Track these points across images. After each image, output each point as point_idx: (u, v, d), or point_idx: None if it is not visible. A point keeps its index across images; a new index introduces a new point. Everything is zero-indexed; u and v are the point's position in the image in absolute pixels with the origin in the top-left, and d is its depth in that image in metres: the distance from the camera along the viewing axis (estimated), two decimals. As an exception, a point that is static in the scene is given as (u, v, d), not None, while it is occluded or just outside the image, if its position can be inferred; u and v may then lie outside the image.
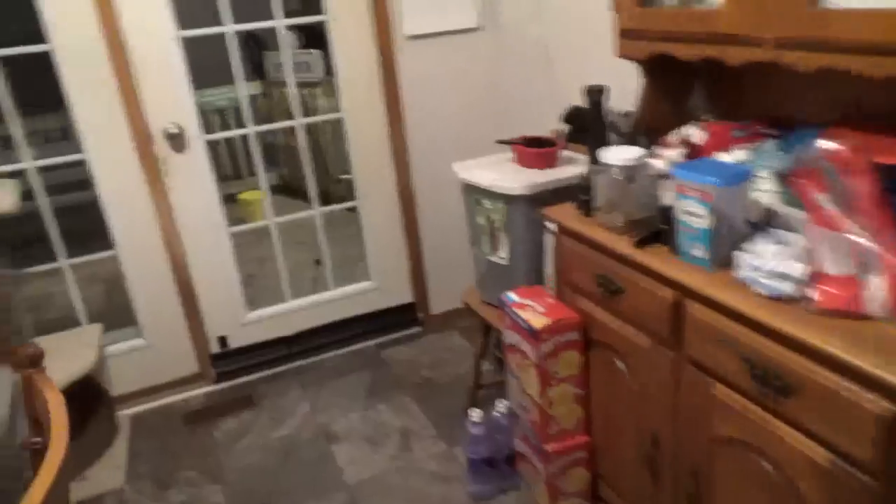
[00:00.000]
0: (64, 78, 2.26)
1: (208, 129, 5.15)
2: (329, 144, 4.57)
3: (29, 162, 2.34)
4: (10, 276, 2.35)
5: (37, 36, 2.20)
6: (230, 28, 2.45)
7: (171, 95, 2.41)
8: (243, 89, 2.63)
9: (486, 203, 2.09)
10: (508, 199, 2.00)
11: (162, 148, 2.44)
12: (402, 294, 3.02)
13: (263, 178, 2.77)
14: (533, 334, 1.70)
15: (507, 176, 2.02)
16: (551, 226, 1.82)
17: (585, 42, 2.24)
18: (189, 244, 2.58)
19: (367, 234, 2.89)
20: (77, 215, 2.78)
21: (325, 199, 4.57)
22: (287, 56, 2.66)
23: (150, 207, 2.47)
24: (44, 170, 2.40)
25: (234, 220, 4.84)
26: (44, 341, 2.33)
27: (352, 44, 2.62)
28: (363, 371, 2.78)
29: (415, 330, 3.05)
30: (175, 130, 2.42)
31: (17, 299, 2.34)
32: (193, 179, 2.53)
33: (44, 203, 2.41)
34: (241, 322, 2.76)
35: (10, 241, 3.34)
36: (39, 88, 2.50)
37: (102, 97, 2.30)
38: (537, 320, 1.71)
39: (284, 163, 5.24)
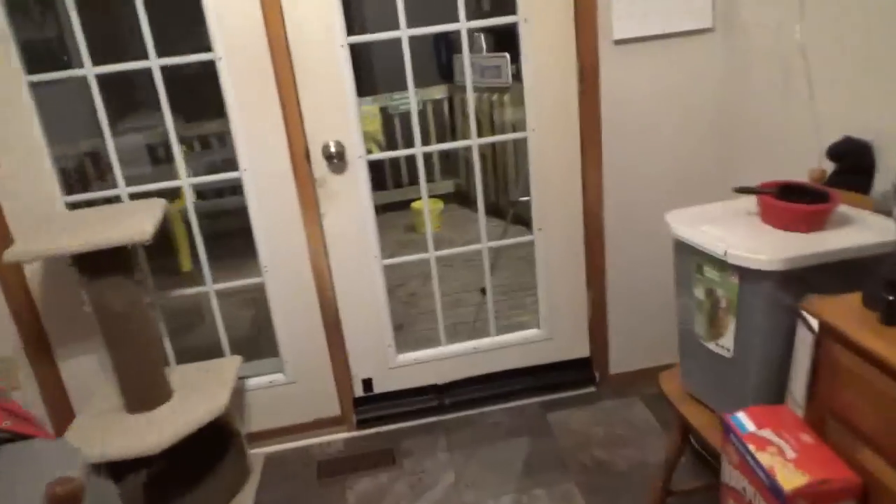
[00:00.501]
0: (225, 89, 2.06)
1: (390, 133, 5.06)
2: (510, 158, 4.17)
3: (185, 180, 2.19)
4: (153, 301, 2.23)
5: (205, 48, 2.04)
6: (403, 33, 2.10)
7: (334, 110, 2.12)
8: (414, 98, 2.27)
9: (711, 272, 1.52)
10: (746, 273, 1.42)
11: (319, 167, 2.17)
12: (576, 347, 2.53)
13: (426, 196, 2.40)
14: (779, 496, 1.13)
15: (747, 239, 1.44)
16: (813, 322, 1.23)
17: (873, 54, 1.57)
18: (339, 276, 2.30)
19: (541, 274, 2.43)
20: (233, 217, 2.66)
21: (501, 215, 4.21)
22: (467, 62, 2.26)
23: (302, 233, 2.21)
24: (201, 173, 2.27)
25: (406, 227, 4.66)
26: (180, 373, 2.18)
27: (545, 49, 2.16)
28: (522, 437, 2.34)
29: (588, 391, 2.55)
30: (335, 149, 2.13)
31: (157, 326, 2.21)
32: (350, 205, 2.23)
33: (196, 220, 2.26)
34: (388, 365, 2.44)
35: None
36: (206, 96, 2.36)
37: (262, 110, 2.08)
38: (788, 476, 1.13)
39: (462, 172, 4.97)
